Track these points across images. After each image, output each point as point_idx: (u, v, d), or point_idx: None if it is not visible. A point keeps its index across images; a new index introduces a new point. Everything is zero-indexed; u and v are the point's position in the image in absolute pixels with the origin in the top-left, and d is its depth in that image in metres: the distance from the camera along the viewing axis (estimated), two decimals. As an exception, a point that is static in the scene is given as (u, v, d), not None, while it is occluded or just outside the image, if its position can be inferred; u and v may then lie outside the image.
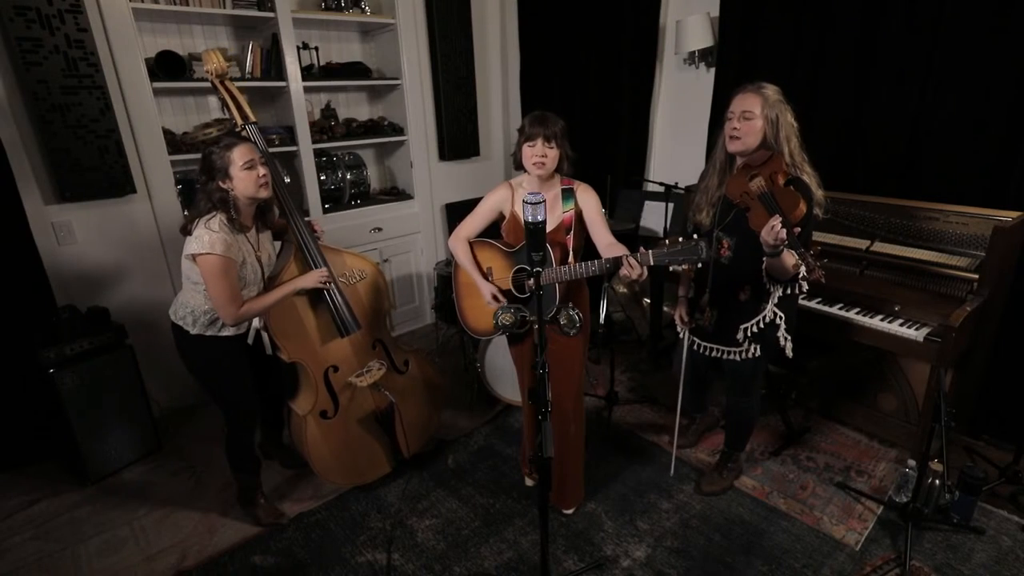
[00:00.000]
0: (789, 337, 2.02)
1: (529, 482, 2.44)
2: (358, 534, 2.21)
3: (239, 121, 2.08)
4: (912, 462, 2.27)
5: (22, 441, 2.62)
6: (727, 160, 1.97)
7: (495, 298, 2.01)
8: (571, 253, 1.97)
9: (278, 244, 2.20)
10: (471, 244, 2.10)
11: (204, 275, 1.86)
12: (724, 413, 2.36)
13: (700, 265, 1.71)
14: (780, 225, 1.60)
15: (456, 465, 2.60)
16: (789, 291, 1.93)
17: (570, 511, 2.27)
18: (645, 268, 1.75)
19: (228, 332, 2.03)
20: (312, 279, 2.06)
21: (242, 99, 2.08)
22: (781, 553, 2.06)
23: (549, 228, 1.91)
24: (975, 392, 2.56)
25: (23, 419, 2.58)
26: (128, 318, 2.71)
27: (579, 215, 2.00)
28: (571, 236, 1.98)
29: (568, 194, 2.00)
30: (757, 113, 1.80)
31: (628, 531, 2.19)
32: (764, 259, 1.83)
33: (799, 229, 1.65)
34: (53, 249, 2.63)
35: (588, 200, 2.00)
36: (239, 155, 1.83)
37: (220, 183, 1.84)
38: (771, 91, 1.84)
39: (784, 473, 2.48)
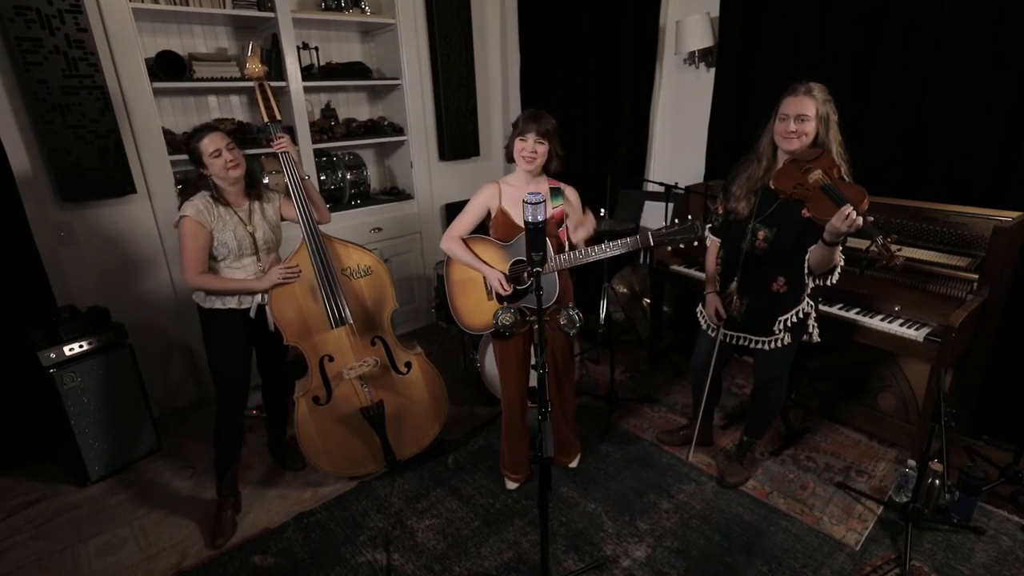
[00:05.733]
0: (816, 325, 2.13)
1: (511, 485, 2.42)
2: (358, 534, 2.21)
3: (265, 118, 2.20)
4: (912, 462, 2.27)
5: (22, 441, 2.62)
6: (773, 154, 2.03)
7: (501, 284, 2.07)
8: (566, 245, 2.09)
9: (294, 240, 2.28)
10: (465, 241, 2.17)
11: (178, 239, 2.06)
12: (751, 396, 2.39)
13: (696, 243, 1.86)
14: (855, 213, 1.66)
15: (456, 465, 2.60)
16: (821, 282, 2.01)
17: (574, 464, 2.49)
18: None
19: (230, 305, 2.17)
20: (267, 282, 2.15)
21: (273, 100, 2.22)
22: (781, 553, 2.06)
23: None
24: (975, 392, 2.55)
25: (23, 419, 2.58)
26: (128, 318, 2.71)
27: (568, 212, 2.15)
28: (563, 229, 2.10)
29: (557, 192, 2.12)
30: (811, 115, 1.88)
31: (628, 531, 2.19)
32: (811, 250, 1.91)
33: (871, 218, 1.71)
34: (53, 249, 2.63)
35: (574, 198, 2.17)
36: (205, 146, 2.03)
37: (200, 169, 2.08)
38: (819, 90, 1.91)
39: (784, 473, 2.48)
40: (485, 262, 2.12)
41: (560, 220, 2.10)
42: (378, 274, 2.36)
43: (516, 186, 2.11)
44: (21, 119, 2.48)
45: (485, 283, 2.17)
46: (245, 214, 2.16)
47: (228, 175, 2.07)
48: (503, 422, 2.37)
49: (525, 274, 2.07)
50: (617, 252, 1.93)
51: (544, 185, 2.12)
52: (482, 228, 2.21)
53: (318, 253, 2.18)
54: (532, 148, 2.00)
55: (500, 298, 2.14)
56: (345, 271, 2.30)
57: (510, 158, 2.09)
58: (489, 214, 2.17)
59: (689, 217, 1.83)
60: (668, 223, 1.93)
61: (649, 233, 1.88)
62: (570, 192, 2.16)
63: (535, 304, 1.98)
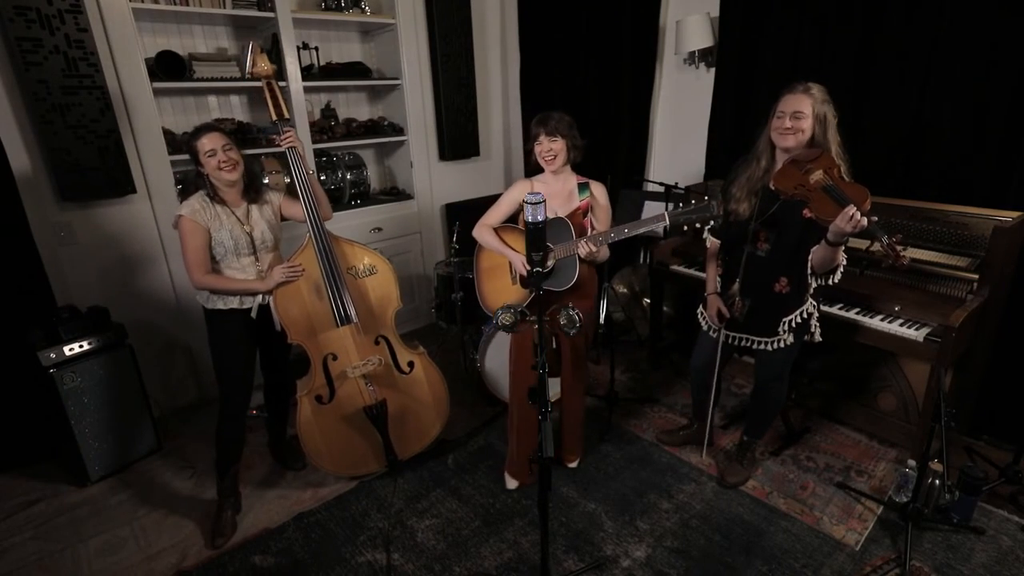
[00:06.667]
0: (818, 325, 2.14)
1: (511, 484, 2.42)
2: (358, 534, 2.21)
3: (274, 116, 2.21)
4: (912, 462, 2.27)
5: (22, 441, 2.62)
6: (771, 154, 2.02)
7: (524, 265, 2.15)
8: (589, 232, 2.17)
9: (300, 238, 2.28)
10: (495, 230, 2.29)
11: (179, 239, 2.08)
12: (751, 396, 2.40)
13: (712, 223, 1.93)
14: (859, 214, 1.65)
15: (456, 465, 2.60)
16: (824, 282, 2.01)
17: (574, 464, 2.52)
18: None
19: (232, 305, 2.17)
20: (270, 283, 2.14)
21: (281, 99, 2.23)
22: (781, 553, 2.06)
23: (568, 213, 2.18)
24: (975, 392, 2.55)
25: (23, 419, 2.58)
26: (128, 318, 2.71)
27: (593, 206, 2.25)
28: (588, 219, 2.22)
29: (584, 186, 2.24)
30: (807, 113, 1.88)
31: (628, 531, 2.19)
32: (813, 250, 1.92)
33: (875, 218, 1.71)
34: (53, 249, 2.63)
35: (600, 193, 2.26)
36: (202, 144, 2.05)
37: (197, 167, 2.10)
38: (817, 90, 1.90)
39: (784, 473, 2.48)
40: (513, 248, 2.22)
41: (585, 211, 2.21)
42: (383, 273, 2.37)
43: (546, 183, 2.23)
44: (21, 119, 2.47)
45: (511, 268, 2.27)
46: (243, 213, 2.17)
47: (221, 176, 2.07)
48: (513, 424, 2.36)
49: (550, 258, 2.15)
50: (637, 232, 2.03)
51: (572, 181, 2.23)
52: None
53: (324, 251, 2.19)
54: (547, 147, 2.12)
55: (524, 281, 2.23)
56: (350, 270, 2.31)
57: (536, 165, 2.20)
58: (521, 208, 2.26)
59: (706, 197, 1.87)
60: (684, 204, 1.98)
61: (666, 213, 1.97)
62: (596, 188, 2.25)
63: (555, 287, 2.07)
